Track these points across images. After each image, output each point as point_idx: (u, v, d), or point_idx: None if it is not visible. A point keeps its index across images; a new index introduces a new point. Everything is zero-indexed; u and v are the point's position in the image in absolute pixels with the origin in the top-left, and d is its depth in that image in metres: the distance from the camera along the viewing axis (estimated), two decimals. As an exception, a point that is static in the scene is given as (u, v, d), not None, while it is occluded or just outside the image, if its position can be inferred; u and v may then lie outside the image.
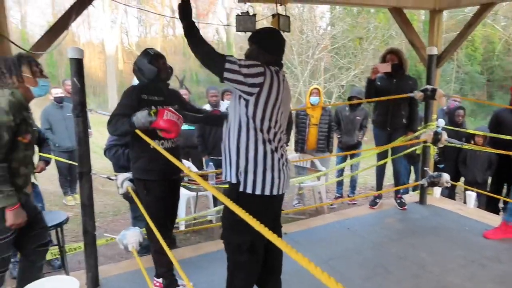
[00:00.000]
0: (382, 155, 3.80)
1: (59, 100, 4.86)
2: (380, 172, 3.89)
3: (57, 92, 4.87)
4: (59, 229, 2.71)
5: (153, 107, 2.09)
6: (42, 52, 2.19)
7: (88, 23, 21.58)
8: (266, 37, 1.93)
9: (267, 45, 1.90)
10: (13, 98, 1.90)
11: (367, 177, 6.78)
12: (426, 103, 3.75)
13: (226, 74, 1.74)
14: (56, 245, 2.80)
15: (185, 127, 4.52)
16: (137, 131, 2.03)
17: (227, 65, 1.74)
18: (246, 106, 1.79)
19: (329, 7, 11.71)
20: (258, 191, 1.83)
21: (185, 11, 1.84)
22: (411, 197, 4.23)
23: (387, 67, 3.41)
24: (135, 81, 2.34)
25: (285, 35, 2.71)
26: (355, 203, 5.00)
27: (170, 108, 2.11)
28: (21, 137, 1.95)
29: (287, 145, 2.08)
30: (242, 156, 1.83)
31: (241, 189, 1.84)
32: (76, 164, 2.38)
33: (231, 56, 1.80)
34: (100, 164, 5.76)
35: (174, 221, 2.51)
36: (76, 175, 5.27)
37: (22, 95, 1.97)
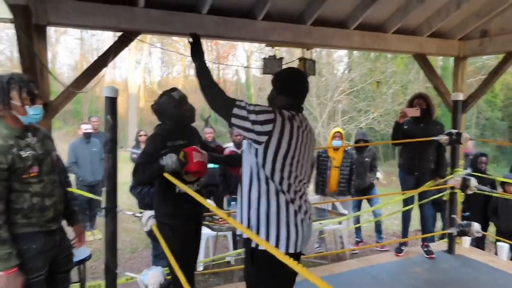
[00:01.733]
0: (408, 200, 3.69)
1: (88, 136, 5.03)
2: (406, 217, 3.76)
3: (87, 128, 5.07)
4: (81, 266, 2.69)
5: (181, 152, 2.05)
6: (81, 91, 2.29)
7: (113, 63, 22.71)
8: (284, 79, 1.82)
9: (285, 87, 1.78)
10: None
11: (387, 222, 6.56)
12: (452, 148, 3.70)
13: (233, 120, 1.64)
14: (77, 282, 2.76)
15: (209, 165, 4.54)
16: (167, 176, 1.98)
17: (235, 110, 1.63)
18: (256, 155, 1.66)
19: (347, 52, 12.01)
20: None
21: (197, 51, 1.80)
22: (439, 245, 4.04)
23: (416, 112, 3.40)
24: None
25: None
26: (380, 250, 4.81)
27: (195, 147, 2.09)
28: (26, 174, 1.75)
29: (307, 187, 2.00)
30: (254, 209, 1.69)
31: (253, 245, 1.68)
32: (96, 199, 2.38)
33: (241, 100, 1.68)
34: (119, 199, 5.79)
35: (196, 262, 2.46)
36: (95, 210, 5.32)
37: (9, 126, 1.76)
